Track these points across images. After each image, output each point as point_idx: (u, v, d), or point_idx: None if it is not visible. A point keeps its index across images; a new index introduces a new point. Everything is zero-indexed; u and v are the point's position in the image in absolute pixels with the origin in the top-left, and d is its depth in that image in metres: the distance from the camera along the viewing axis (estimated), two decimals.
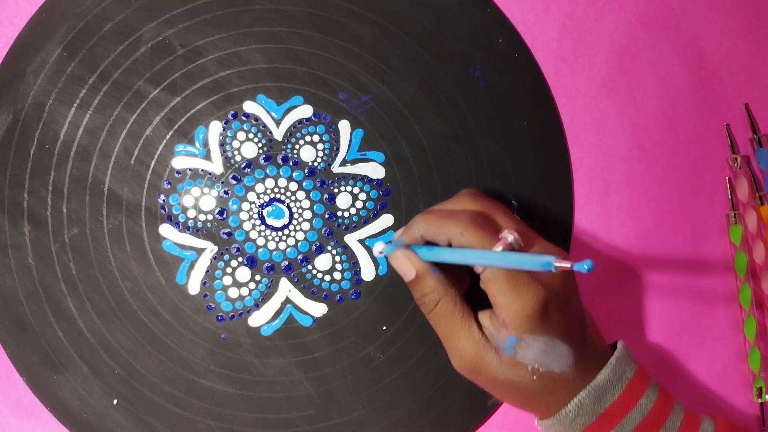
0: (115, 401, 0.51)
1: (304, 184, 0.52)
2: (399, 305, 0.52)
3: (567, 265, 0.33)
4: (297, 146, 0.51)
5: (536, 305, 0.41)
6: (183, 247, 0.51)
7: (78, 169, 0.51)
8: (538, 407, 0.44)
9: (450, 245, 0.43)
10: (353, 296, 0.52)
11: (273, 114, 0.51)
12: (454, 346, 0.44)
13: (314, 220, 0.52)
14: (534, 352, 0.42)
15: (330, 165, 0.52)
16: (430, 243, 0.45)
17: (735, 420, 0.48)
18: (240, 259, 0.51)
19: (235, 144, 0.51)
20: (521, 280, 0.41)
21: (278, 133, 0.51)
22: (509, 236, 0.41)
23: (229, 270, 0.51)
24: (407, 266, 0.45)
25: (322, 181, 0.52)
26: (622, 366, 0.44)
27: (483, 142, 0.53)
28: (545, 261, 0.35)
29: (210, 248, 0.51)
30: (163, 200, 0.51)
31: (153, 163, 0.51)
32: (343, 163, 0.52)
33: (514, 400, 0.45)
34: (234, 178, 0.51)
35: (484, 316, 0.44)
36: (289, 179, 0.52)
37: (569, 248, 0.54)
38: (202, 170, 0.51)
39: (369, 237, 0.52)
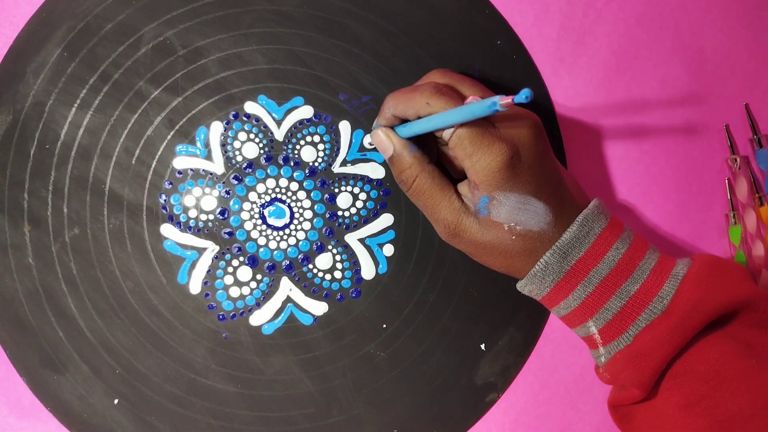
0: (116, 401, 0.51)
1: (305, 184, 0.52)
2: (399, 304, 0.53)
3: (509, 100, 0.35)
4: (298, 146, 0.52)
5: (501, 161, 0.42)
6: (184, 246, 0.51)
7: (79, 169, 0.51)
8: (522, 269, 0.45)
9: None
10: (353, 295, 0.52)
11: (274, 114, 0.51)
12: (436, 216, 0.46)
13: (315, 220, 0.52)
14: (507, 210, 0.43)
15: (330, 165, 0.52)
16: (405, 122, 0.46)
17: (717, 256, 0.47)
18: (241, 258, 0.52)
19: (236, 144, 0.51)
20: (485, 140, 0.42)
21: (279, 134, 0.52)
22: (473, 101, 0.42)
23: (230, 269, 0.52)
24: (386, 142, 0.46)
25: (323, 181, 0.52)
26: (590, 222, 0.45)
27: None
28: (491, 102, 0.37)
29: (211, 248, 0.51)
30: (165, 200, 0.51)
31: (154, 163, 0.51)
32: (344, 163, 0.52)
33: (497, 263, 0.46)
34: (235, 178, 0.51)
35: (462, 186, 0.46)
36: (290, 179, 0.52)
37: None
38: (203, 170, 0.51)
39: (369, 236, 0.52)
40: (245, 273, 0.52)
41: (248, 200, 0.51)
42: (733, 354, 0.43)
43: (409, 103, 0.44)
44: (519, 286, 0.47)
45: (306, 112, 0.52)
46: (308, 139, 0.52)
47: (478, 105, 0.38)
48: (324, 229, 0.52)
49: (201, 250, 0.51)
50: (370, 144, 0.52)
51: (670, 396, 0.44)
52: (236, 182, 0.51)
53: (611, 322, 0.45)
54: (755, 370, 0.43)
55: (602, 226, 0.45)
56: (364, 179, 0.52)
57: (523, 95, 0.34)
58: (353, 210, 0.52)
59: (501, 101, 0.36)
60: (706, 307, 0.43)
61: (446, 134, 0.43)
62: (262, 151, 0.51)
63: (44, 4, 0.51)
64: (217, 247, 0.51)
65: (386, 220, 0.53)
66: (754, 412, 0.42)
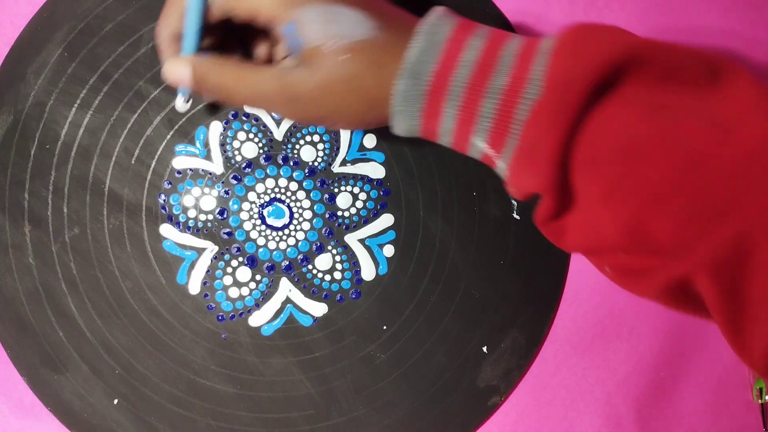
0: (116, 401, 0.51)
1: (305, 183, 0.52)
2: (399, 305, 0.52)
3: None
4: (297, 146, 0.52)
5: None
6: (183, 246, 0.51)
7: (79, 169, 0.51)
8: (386, 99, 0.39)
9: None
10: (353, 296, 0.52)
11: (273, 114, 0.51)
12: (262, 95, 0.40)
13: (314, 220, 0.52)
14: (317, 27, 0.38)
15: (330, 165, 0.52)
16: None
17: (587, 22, 0.37)
18: (240, 258, 0.51)
19: (236, 144, 0.51)
20: None
21: (278, 133, 0.52)
22: None
23: (229, 270, 0.51)
24: (179, 69, 0.40)
25: (323, 180, 0.52)
26: (433, 29, 0.38)
27: None
28: None
29: (210, 248, 0.51)
30: (164, 200, 0.51)
31: (154, 163, 0.51)
32: (344, 162, 0.52)
33: (356, 105, 0.39)
34: (234, 177, 0.51)
35: (260, 50, 0.44)
36: (290, 179, 0.52)
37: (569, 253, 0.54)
38: (202, 170, 0.51)
39: (369, 237, 0.52)
40: (244, 273, 0.52)
41: (247, 200, 0.51)
42: (640, 119, 0.35)
43: (170, 8, 0.41)
44: (391, 128, 0.41)
45: None
46: (308, 138, 0.52)
47: None
48: (323, 230, 0.52)
49: (200, 251, 0.51)
50: (186, 102, 0.44)
51: (588, 192, 0.37)
52: (235, 182, 0.51)
53: (494, 128, 0.37)
54: (671, 128, 0.34)
55: (449, 28, 0.38)
56: (364, 179, 0.52)
57: None
58: (353, 210, 0.52)
59: None
60: (583, 70, 0.35)
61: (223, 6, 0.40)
62: (261, 151, 0.51)
63: (45, 5, 0.51)
64: (216, 248, 0.51)
65: (386, 220, 0.52)
66: (683, 175, 0.34)
